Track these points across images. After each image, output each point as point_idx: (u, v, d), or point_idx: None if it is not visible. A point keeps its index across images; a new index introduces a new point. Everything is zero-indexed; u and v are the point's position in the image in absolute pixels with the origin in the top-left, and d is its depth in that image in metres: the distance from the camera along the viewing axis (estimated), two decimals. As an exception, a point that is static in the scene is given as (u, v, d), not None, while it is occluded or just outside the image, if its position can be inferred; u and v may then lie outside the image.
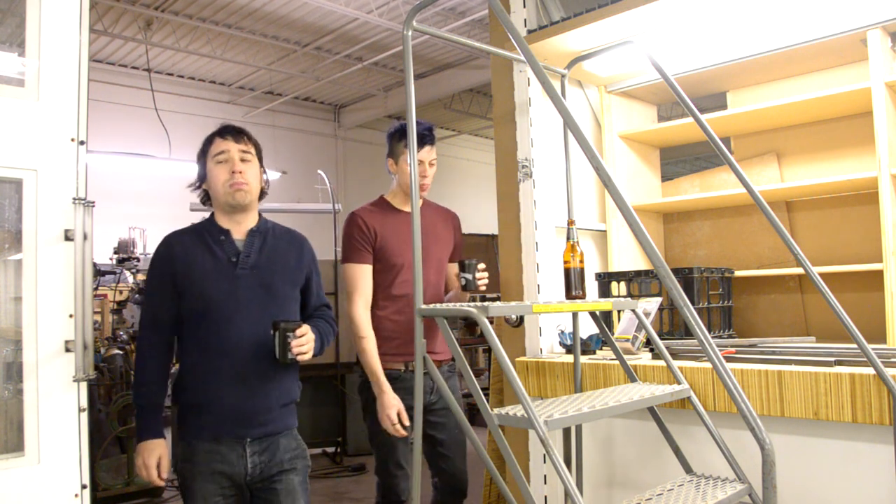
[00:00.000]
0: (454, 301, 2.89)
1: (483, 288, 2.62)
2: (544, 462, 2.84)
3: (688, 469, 2.23)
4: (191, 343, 2.13)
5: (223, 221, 2.20)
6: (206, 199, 2.26)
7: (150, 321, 2.16)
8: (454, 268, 2.91)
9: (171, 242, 2.18)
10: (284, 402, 2.18)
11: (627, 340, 2.57)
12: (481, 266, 2.56)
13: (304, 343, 2.06)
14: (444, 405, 2.72)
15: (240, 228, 2.20)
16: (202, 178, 2.24)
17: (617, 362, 2.46)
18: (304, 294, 2.31)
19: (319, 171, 7.52)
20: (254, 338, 2.08)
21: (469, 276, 2.55)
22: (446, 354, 2.82)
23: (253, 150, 2.22)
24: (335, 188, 7.97)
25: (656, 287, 2.94)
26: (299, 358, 2.05)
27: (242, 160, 2.17)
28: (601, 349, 2.88)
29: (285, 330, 2.03)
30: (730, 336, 3.05)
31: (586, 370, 2.59)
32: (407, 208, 2.78)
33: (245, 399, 2.09)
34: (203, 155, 2.23)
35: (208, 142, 2.22)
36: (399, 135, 2.78)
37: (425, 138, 2.74)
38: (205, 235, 2.17)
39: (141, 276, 6.47)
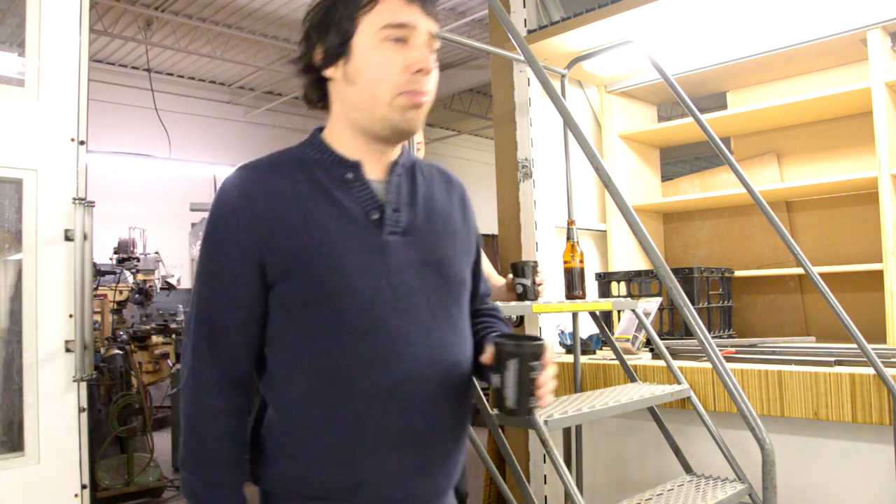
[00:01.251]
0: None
1: (542, 295, 2.14)
2: (544, 462, 2.84)
3: (688, 469, 2.23)
4: (304, 374, 1.10)
5: (350, 148, 1.17)
6: (321, 98, 1.21)
7: (211, 337, 1.12)
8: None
9: (252, 182, 1.13)
10: (459, 471, 1.23)
11: (627, 340, 2.57)
12: (540, 269, 2.04)
13: (550, 378, 1.14)
14: None
15: (378, 163, 1.19)
16: (336, 54, 1.14)
17: (617, 362, 2.45)
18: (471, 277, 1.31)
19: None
20: (432, 362, 1.13)
21: (527, 282, 2.01)
22: None
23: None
24: (335, 188, 7.94)
25: (656, 287, 2.94)
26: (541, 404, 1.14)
27: (434, 48, 1.17)
28: (601, 349, 2.88)
29: (532, 357, 1.10)
30: (730, 336, 3.05)
31: (586, 370, 2.59)
32: None
33: (421, 473, 1.14)
34: (350, 16, 1.13)
35: None
36: None
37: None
38: (314, 170, 1.15)
39: (141, 276, 6.46)
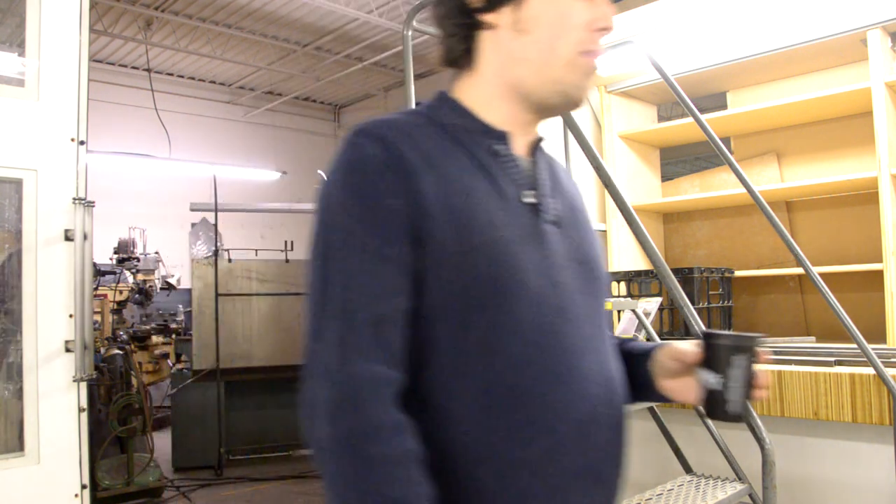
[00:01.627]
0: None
1: None
2: (544, 462, 2.84)
3: (688, 469, 2.23)
4: (461, 396, 0.86)
5: (497, 115, 0.97)
6: (467, 51, 0.97)
7: (371, 331, 0.83)
8: None
9: (399, 141, 0.90)
10: None
11: (627, 340, 2.57)
12: None
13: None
14: None
15: (523, 137, 0.99)
16: None
17: (617, 362, 2.46)
18: None
19: (319, 172, 7.53)
20: (601, 380, 0.93)
21: None
22: None
23: None
24: (335, 188, 7.95)
25: (656, 287, 2.94)
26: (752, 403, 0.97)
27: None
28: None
29: (756, 351, 0.94)
30: (730, 336, 3.06)
31: (586, 370, 2.59)
32: None
33: None
34: None
35: None
36: None
37: None
38: (459, 136, 0.95)
39: (141, 276, 6.45)
